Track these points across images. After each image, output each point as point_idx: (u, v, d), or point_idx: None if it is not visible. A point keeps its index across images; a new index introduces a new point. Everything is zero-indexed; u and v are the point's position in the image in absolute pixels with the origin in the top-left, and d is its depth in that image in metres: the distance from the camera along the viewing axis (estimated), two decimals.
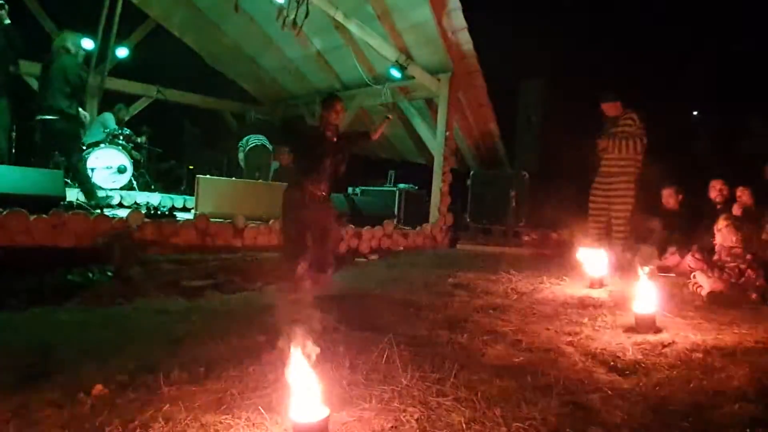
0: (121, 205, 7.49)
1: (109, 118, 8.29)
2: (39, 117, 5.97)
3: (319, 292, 3.90)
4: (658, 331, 3.16)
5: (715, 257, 4.44)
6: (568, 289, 4.52)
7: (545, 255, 6.53)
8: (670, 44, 7.99)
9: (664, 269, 5.29)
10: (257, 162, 8.32)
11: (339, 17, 6.85)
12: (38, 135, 6.13)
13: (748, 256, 4.17)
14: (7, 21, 5.58)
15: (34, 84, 8.71)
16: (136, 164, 8.04)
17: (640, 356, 2.75)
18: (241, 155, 8.40)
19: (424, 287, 4.47)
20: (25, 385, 2.18)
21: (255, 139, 8.44)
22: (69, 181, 6.93)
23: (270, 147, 8.39)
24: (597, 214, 5.99)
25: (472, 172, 8.33)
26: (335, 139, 4.37)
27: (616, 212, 5.86)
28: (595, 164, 6.01)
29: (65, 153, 6.28)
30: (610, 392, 2.22)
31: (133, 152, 8.13)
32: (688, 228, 5.66)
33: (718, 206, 5.60)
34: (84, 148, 7.60)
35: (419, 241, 7.03)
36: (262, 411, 1.95)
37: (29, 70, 8.69)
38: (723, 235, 4.36)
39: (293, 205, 4.27)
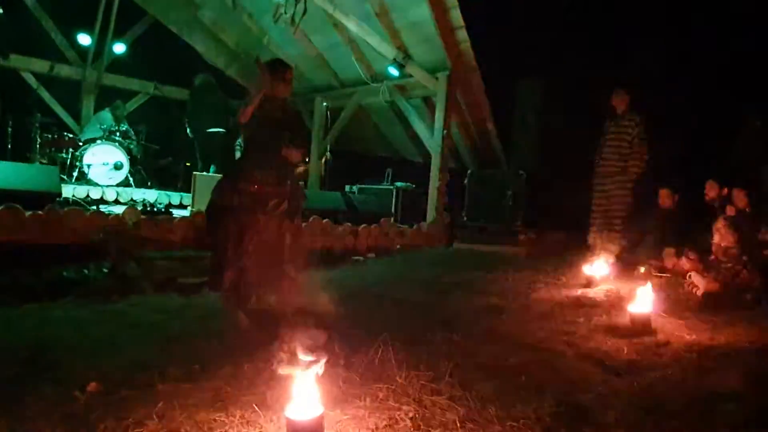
0: (117, 202, 7.47)
1: (105, 116, 8.26)
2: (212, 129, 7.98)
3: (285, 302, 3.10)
4: (653, 331, 3.17)
5: (712, 257, 4.46)
6: (564, 288, 4.53)
7: (541, 254, 6.54)
8: (670, 44, 8.00)
9: (660, 269, 5.31)
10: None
11: (337, 15, 6.84)
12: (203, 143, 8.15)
13: (744, 257, 4.19)
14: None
15: (31, 80, 8.70)
16: (132, 161, 8.01)
17: (635, 356, 2.76)
18: (238, 154, 8.40)
19: (420, 286, 4.47)
20: (19, 382, 2.17)
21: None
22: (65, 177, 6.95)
23: None
24: (598, 214, 6.02)
25: (469, 171, 8.33)
26: (282, 115, 3.38)
27: (613, 212, 5.89)
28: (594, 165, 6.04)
29: (218, 159, 7.98)
30: (604, 392, 2.23)
31: (130, 147, 8.10)
32: (684, 228, 5.68)
33: (715, 205, 5.63)
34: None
35: (416, 239, 7.02)
36: (257, 408, 1.95)
37: (28, 65, 8.67)
38: (721, 235, 4.37)
39: (221, 206, 3.24)
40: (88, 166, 7.53)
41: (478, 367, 2.50)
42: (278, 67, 3.40)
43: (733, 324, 3.34)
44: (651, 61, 7.83)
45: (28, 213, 4.61)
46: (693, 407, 2.09)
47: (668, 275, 5.13)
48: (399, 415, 1.94)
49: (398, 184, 8.66)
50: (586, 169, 6.23)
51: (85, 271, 4.47)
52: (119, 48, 9.26)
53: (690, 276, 4.41)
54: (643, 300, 3.34)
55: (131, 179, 7.93)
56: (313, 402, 1.81)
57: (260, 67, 3.33)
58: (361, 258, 6.11)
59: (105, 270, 4.49)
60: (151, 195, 7.84)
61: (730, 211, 5.23)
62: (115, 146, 7.76)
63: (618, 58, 7.74)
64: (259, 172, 3.22)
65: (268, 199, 3.24)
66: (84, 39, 8.99)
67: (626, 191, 5.85)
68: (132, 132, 8.38)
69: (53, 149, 7.72)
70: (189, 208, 6.61)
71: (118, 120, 8.29)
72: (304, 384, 1.82)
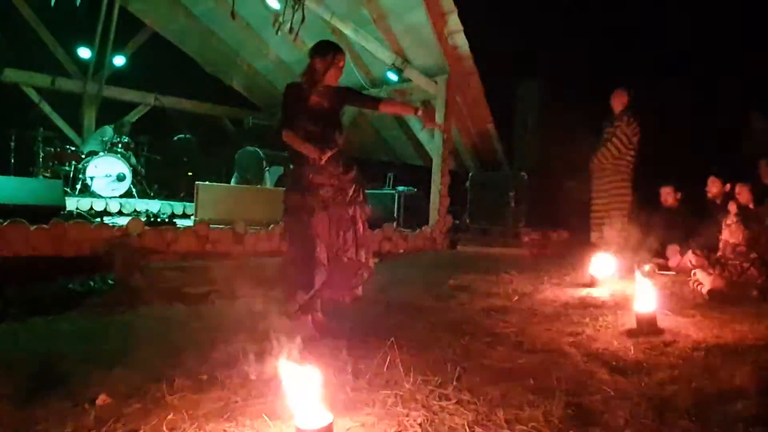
0: (120, 213, 7.50)
1: (108, 131, 8.32)
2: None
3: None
4: (659, 330, 3.16)
5: (719, 253, 4.45)
6: (569, 289, 4.53)
7: (545, 255, 6.54)
8: (669, 44, 8.01)
9: (664, 267, 5.30)
10: (246, 165, 8.38)
11: (335, 22, 6.87)
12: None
13: (753, 255, 4.18)
14: None
15: (33, 94, 8.77)
16: (135, 172, 8.05)
17: (641, 356, 2.75)
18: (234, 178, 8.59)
19: (424, 290, 4.47)
20: (28, 397, 2.18)
21: (251, 149, 8.58)
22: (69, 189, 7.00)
23: (262, 154, 8.45)
24: (598, 214, 6.02)
25: (470, 174, 8.34)
26: (327, 105, 3.16)
27: (614, 210, 5.89)
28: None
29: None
30: (612, 393, 2.23)
31: (131, 159, 8.15)
32: (687, 226, 5.67)
33: (718, 202, 5.62)
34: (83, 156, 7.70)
35: (419, 243, 7.03)
36: (266, 418, 1.95)
37: (29, 80, 8.73)
38: (731, 231, 4.37)
39: (293, 209, 3.11)
40: (91, 178, 7.57)
41: (485, 370, 2.50)
42: (330, 52, 3.11)
43: (740, 321, 3.33)
44: (651, 60, 7.84)
45: (33, 227, 4.64)
46: (702, 406, 2.09)
47: (673, 273, 5.13)
48: (408, 421, 1.94)
49: (400, 188, 8.68)
50: (587, 168, 6.24)
51: (91, 283, 4.48)
52: (119, 60, 9.34)
53: (695, 273, 4.40)
54: (649, 299, 3.33)
55: (134, 190, 7.97)
56: (322, 410, 1.82)
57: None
58: None
59: (110, 282, 4.50)
60: (154, 205, 7.87)
61: (732, 207, 5.22)
62: (118, 158, 7.80)
63: (618, 58, 7.75)
64: (326, 167, 3.04)
65: (345, 190, 3.12)
66: (84, 52, 9.06)
67: (623, 189, 5.86)
68: (134, 143, 8.43)
69: (56, 162, 7.78)
70: (192, 217, 6.63)
71: (121, 136, 8.33)
72: (312, 392, 1.83)
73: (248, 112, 10.82)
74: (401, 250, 6.76)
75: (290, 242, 3.19)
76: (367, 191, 3.34)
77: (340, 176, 3.10)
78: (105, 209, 7.46)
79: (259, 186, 8.07)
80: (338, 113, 3.27)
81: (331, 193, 3.07)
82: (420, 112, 3.43)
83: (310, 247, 3.00)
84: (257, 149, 8.51)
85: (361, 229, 3.19)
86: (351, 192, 3.14)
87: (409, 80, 7.36)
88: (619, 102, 5.87)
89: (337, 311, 3.43)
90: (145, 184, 8.47)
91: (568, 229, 7.38)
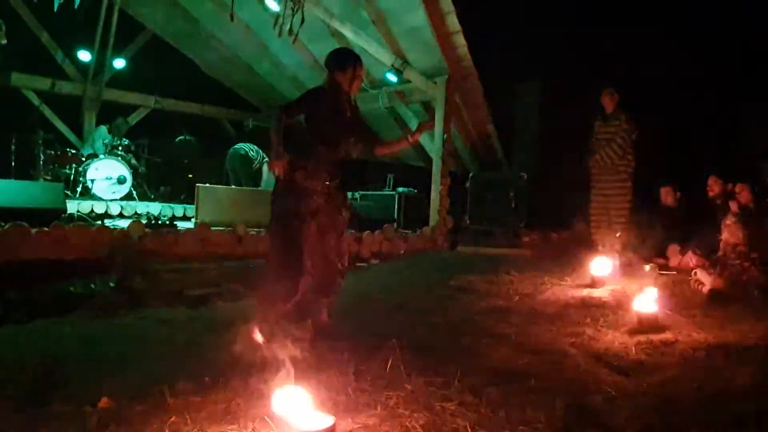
0: (121, 216, 7.51)
1: (103, 131, 8.33)
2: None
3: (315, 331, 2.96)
4: (660, 330, 3.16)
5: (720, 253, 4.45)
6: (570, 289, 4.53)
7: (546, 255, 6.53)
8: (668, 44, 8.02)
9: (665, 267, 5.30)
10: (232, 166, 8.34)
11: (334, 23, 6.88)
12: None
13: (753, 254, 4.18)
14: (4, 41, 5.64)
15: (33, 97, 8.77)
16: (135, 174, 8.06)
17: (643, 356, 2.76)
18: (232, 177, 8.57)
19: (425, 291, 4.47)
20: (30, 399, 2.18)
21: (237, 148, 8.49)
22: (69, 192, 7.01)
23: (252, 153, 8.38)
24: (597, 214, 6.03)
25: (470, 174, 8.34)
26: (349, 114, 3.16)
27: (615, 210, 5.89)
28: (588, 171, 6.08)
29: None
30: (614, 393, 2.23)
31: (132, 161, 8.16)
32: (687, 225, 5.68)
33: (718, 201, 5.62)
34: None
35: (420, 244, 7.03)
36: (268, 420, 1.95)
37: (30, 83, 8.74)
38: (730, 231, 4.37)
39: (283, 215, 2.97)
40: (92, 181, 7.58)
41: (486, 371, 2.50)
42: (351, 64, 3.15)
43: (741, 321, 3.34)
44: (650, 60, 7.85)
45: (34, 230, 4.64)
46: (703, 406, 2.09)
47: (673, 273, 5.13)
48: (410, 422, 1.94)
49: (400, 189, 8.68)
50: (585, 168, 6.24)
51: (92, 286, 4.48)
52: (119, 63, 9.35)
53: (695, 273, 4.40)
54: (650, 299, 3.34)
55: (134, 193, 7.97)
56: (324, 412, 1.82)
57: None
58: (365, 264, 6.11)
59: (111, 284, 4.50)
60: (154, 208, 7.88)
61: (733, 206, 5.22)
62: (118, 160, 7.81)
63: (617, 58, 7.75)
64: (324, 169, 3.00)
65: (333, 196, 3.05)
66: (84, 55, 9.07)
67: (623, 190, 5.87)
68: (134, 146, 8.44)
69: (56, 165, 7.78)
70: (193, 219, 6.64)
71: (117, 135, 8.31)
72: (314, 394, 1.83)
73: (248, 114, 10.83)
74: (401, 251, 6.76)
75: (274, 249, 3.05)
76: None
77: (328, 182, 3.04)
78: (106, 212, 7.46)
79: (260, 187, 8.07)
80: (355, 127, 3.26)
81: (322, 199, 2.99)
82: (411, 138, 3.33)
83: (297, 254, 2.90)
84: (244, 147, 8.33)
85: (344, 235, 3.16)
86: (338, 198, 3.10)
87: (409, 81, 7.36)
88: (611, 101, 5.89)
89: (339, 313, 3.43)
90: (145, 186, 8.46)
91: (569, 229, 7.39)
